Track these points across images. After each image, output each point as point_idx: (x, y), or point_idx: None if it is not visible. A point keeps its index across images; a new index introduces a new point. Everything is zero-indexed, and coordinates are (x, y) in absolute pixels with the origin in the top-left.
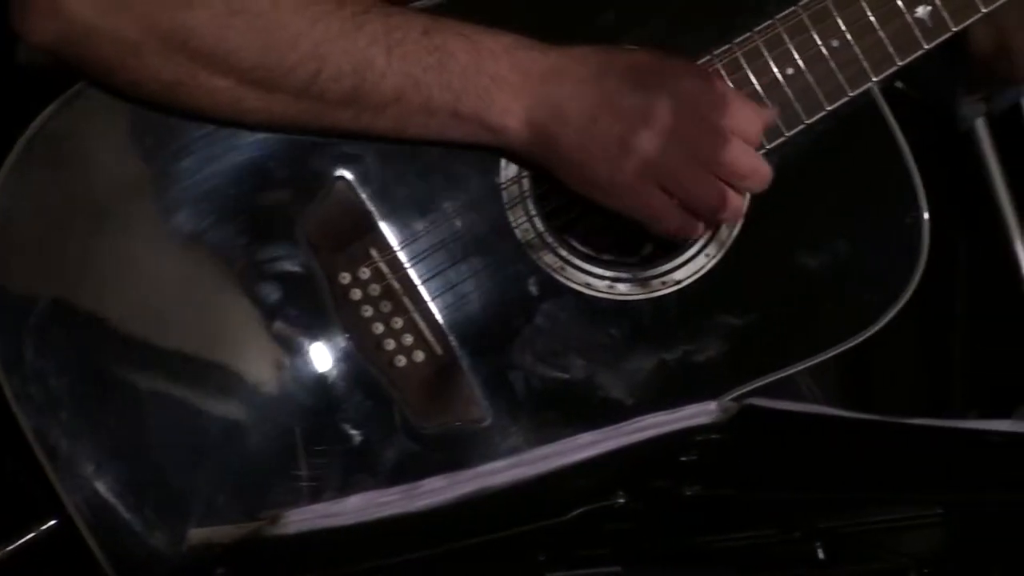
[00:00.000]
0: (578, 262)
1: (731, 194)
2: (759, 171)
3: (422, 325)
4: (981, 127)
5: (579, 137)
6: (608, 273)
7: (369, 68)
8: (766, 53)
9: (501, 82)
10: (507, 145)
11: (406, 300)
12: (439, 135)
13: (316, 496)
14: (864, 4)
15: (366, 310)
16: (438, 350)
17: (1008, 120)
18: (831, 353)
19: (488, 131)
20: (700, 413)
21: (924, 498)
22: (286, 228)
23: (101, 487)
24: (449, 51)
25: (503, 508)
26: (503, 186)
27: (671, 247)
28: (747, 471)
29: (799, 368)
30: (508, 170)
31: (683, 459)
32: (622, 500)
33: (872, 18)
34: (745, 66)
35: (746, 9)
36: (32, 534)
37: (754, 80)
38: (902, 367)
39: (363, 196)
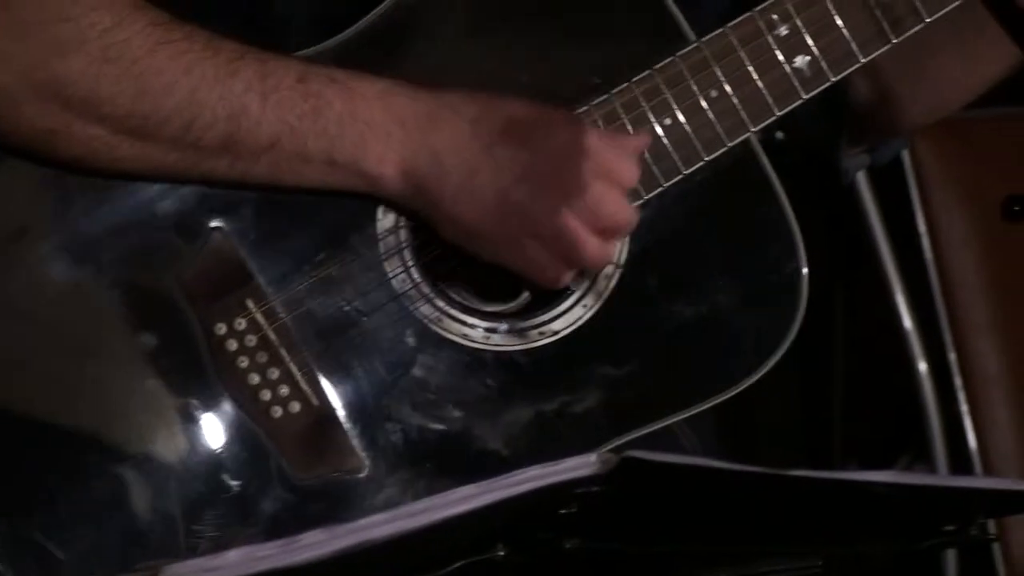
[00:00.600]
0: (455, 313)
1: (602, 244)
2: (628, 219)
3: (298, 376)
4: (862, 180)
5: (458, 189)
6: (485, 324)
7: (244, 115)
8: (644, 103)
9: (376, 129)
10: (383, 193)
11: (282, 351)
12: (316, 183)
13: (194, 549)
14: (742, 54)
15: (242, 361)
16: (315, 401)
17: (890, 172)
18: (709, 404)
19: (364, 179)
20: (579, 465)
21: (805, 551)
22: (163, 279)
23: None
24: (324, 98)
25: (383, 561)
26: (380, 236)
27: (549, 297)
28: (628, 523)
29: (677, 419)
30: (385, 220)
31: (563, 512)
32: (502, 553)
33: (750, 68)
34: (623, 116)
35: (625, 59)
36: None
37: (631, 131)
38: (782, 417)
39: (239, 246)
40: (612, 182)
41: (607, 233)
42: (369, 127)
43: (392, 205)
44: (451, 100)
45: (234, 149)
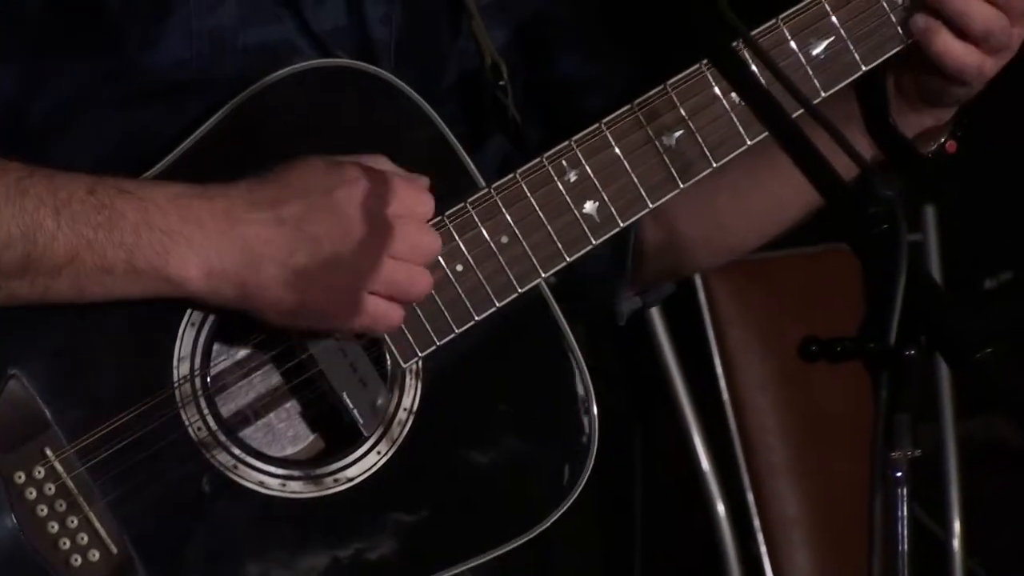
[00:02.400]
0: (252, 460)
1: (423, 272)
2: (437, 243)
3: (97, 524)
4: (657, 320)
5: (279, 275)
6: (281, 471)
7: (39, 231)
8: None
9: (174, 234)
10: (193, 295)
11: (81, 499)
12: (121, 293)
13: None
14: (532, 200)
15: (41, 509)
16: (114, 550)
17: (686, 312)
18: (505, 549)
19: (169, 284)
20: None
21: None
22: None
23: None
24: (117, 209)
25: None
26: (176, 385)
27: (344, 444)
28: None
29: (474, 564)
30: (180, 368)
31: None
32: None
33: (541, 214)
34: None
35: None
36: None
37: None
38: (582, 560)
39: (36, 394)
40: (415, 216)
41: (425, 262)
42: (166, 233)
43: (205, 305)
44: (244, 190)
45: (33, 267)
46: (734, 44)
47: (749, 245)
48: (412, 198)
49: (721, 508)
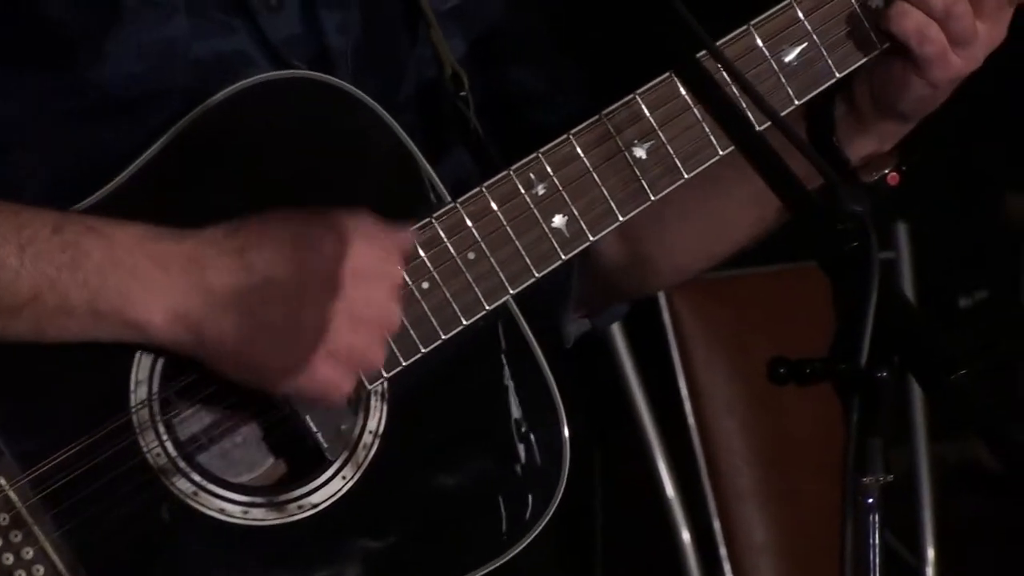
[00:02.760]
0: (212, 487)
1: (382, 343)
2: (396, 314)
3: (53, 555)
4: (620, 340)
5: (243, 326)
6: (243, 498)
7: (2, 268)
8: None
9: (139, 276)
10: (153, 341)
11: (36, 529)
12: (81, 335)
13: None
14: (499, 214)
15: None
16: None
17: (649, 333)
18: (478, 574)
19: (130, 328)
20: None
21: None
22: None
23: None
24: (82, 248)
25: None
26: (133, 409)
27: (307, 469)
28: None
29: None
30: (138, 392)
31: None
32: None
33: (508, 228)
34: None
35: (381, 219)
36: None
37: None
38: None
39: None
40: (385, 282)
41: (387, 332)
42: (132, 275)
43: (164, 352)
44: (214, 236)
45: None
46: (699, 55)
47: (696, 266)
48: (385, 262)
49: (686, 535)
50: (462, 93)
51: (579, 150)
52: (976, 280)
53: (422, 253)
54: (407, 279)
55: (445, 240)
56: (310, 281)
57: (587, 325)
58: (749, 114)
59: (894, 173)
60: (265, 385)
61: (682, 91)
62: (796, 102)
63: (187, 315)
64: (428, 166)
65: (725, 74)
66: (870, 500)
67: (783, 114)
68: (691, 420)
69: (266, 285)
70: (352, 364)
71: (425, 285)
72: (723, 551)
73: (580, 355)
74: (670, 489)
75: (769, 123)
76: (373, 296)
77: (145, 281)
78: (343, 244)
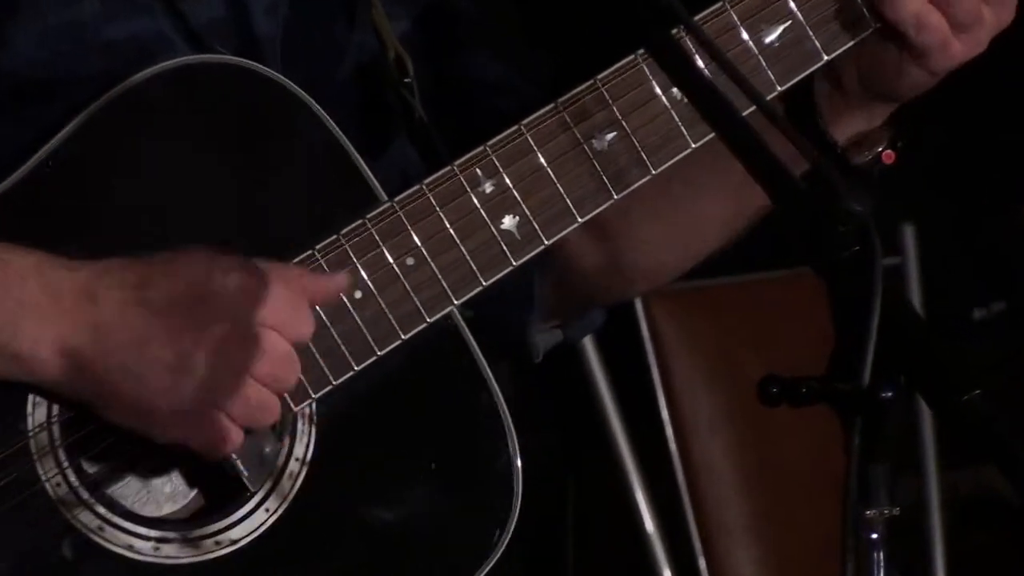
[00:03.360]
0: (119, 521)
1: (277, 403)
2: (295, 374)
3: None
4: (592, 356)
5: (126, 366)
6: (153, 533)
7: None
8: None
9: (30, 307)
10: (41, 378)
11: None
12: None
13: None
14: (442, 214)
15: None
16: None
17: (626, 347)
18: None
19: (17, 362)
20: None
21: None
22: None
23: None
24: None
25: None
26: (30, 433)
27: (226, 500)
28: None
29: None
30: (36, 414)
31: None
32: None
33: (452, 231)
34: None
35: (308, 219)
36: None
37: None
38: None
39: None
40: (290, 338)
41: (283, 391)
42: (21, 305)
43: (52, 392)
44: (110, 268)
45: None
46: (674, 32)
47: (675, 265)
48: (295, 315)
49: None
50: (406, 79)
51: (532, 142)
52: (992, 289)
53: (354, 259)
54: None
55: (381, 244)
56: (210, 325)
57: (559, 336)
58: (729, 97)
59: (889, 151)
60: (151, 433)
61: (649, 75)
62: (779, 87)
63: (75, 351)
64: (362, 162)
65: (699, 56)
66: (874, 535)
67: (767, 99)
68: (672, 445)
69: (161, 325)
70: (244, 419)
71: (358, 294)
72: None
73: (549, 370)
74: (650, 524)
75: (752, 108)
76: (277, 350)
77: (35, 312)
78: (252, 290)
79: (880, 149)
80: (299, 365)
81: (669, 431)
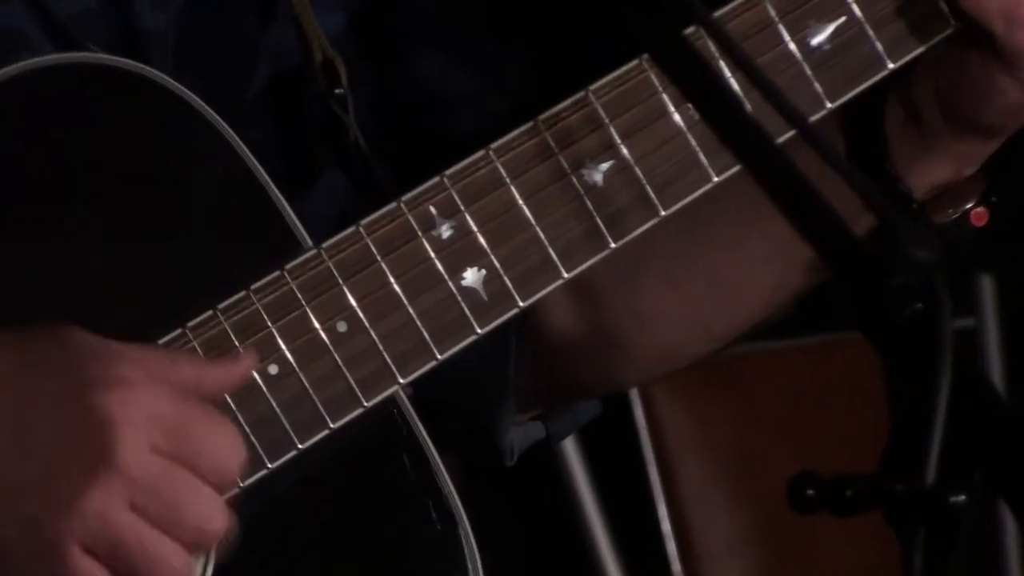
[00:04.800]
0: None
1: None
2: (218, 527)
3: None
4: (573, 458)
5: None
6: None
7: None
8: (235, 341)
9: None
10: None
11: None
12: None
13: None
14: (383, 266)
15: None
16: None
17: (621, 443)
18: None
19: None
20: None
21: None
22: None
23: None
24: None
25: None
26: None
27: None
28: None
29: None
30: None
31: None
32: None
33: (397, 287)
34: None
35: (204, 278)
36: None
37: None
38: None
39: None
40: (194, 467)
41: (188, 537)
42: None
43: None
44: None
45: None
46: (690, 30)
47: (688, 350)
48: (212, 440)
49: None
50: (338, 90)
51: (503, 172)
52: None
53: (270, 323)
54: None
55: (304, 305)
56: (77, 434)
57: (539, 432)
58: (759, 120)
59: (980, 208)
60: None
61: (658, 86)
62: (828, 104)
63: None
64: (280, 196)
65: (724, 61)
66: None
67: (811, 120)
68: (676, 568)
69: (9, 423)
70: (122, 566)
71: (273, 370)
72: None
73: (518, 469)
74: None
75: (791, 133)
76: (175, 479)
77: None
78: (147, 398)
79: (969, 206)
80: (220, 511)
81: (673, 551)
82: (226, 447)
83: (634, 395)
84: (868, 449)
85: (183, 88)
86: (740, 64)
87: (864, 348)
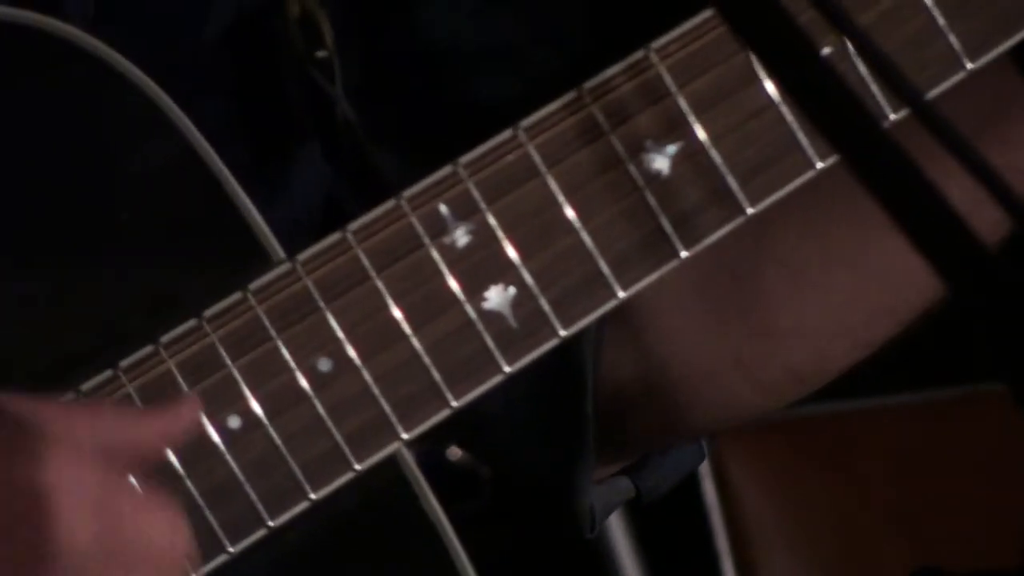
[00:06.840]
0: None
1: None
2: None
3: None
4: (615, 528)
5: None
6: None
7: None
8: (185, 387)
9: None
10: None
11: None
12: None
13: None
14: (379, 284)
15: None
16: None
17: (682, 512)
18: None
19: None
20: None
21: None
22: None
23: None
24: None
25: None
26: None
27: None
28: None
29: None
30: None
31: None
32: None
33: (397, 313)
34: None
35: (146, 300)
36: None
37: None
38: None
39: None
40: (126, 557)
41: None
42: None
43: None
44: None
45: None
46: None
47: (834, 364)
48: (143, 519)
49: None
50: (320, 53)
51: (537, 158)
52: None
53: (229, 362)
54: (203, 418)
55: (275, 337)
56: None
57: (628, 489)
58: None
59: None
60: None
61: (740, 46)
62: (968, 65)
63: None
64: (241, 192)
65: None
66: None
67: (937, 92)
68: None
69: None
70: None
71: (233, 424)
72: None
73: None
74: None
75: (906, 112)
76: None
77: None
78: (89, 480)
79: None
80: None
81: None
82: (160, 528)
83: (703, 465)
84: (1008, 536)
85: (111, 50)
86: (835, 21)
87: (1005, 405)
